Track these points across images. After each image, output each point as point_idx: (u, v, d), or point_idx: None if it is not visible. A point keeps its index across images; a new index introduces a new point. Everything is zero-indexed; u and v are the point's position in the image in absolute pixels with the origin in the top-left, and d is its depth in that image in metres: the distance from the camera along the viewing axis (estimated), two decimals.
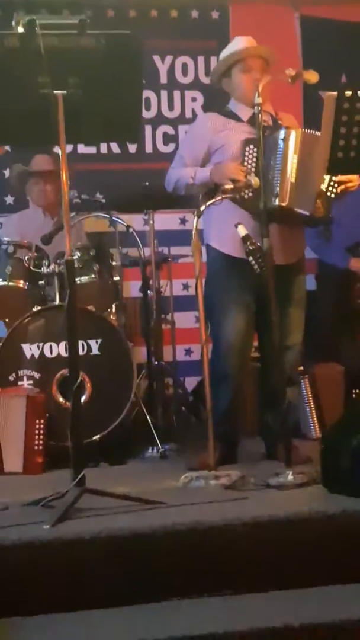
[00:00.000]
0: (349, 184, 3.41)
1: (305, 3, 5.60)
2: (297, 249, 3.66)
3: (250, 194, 3.36)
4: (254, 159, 3.40)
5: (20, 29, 2.62)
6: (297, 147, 3.38)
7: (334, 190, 3.40)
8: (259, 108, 3.24)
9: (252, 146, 3.42)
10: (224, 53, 3.68)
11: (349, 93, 2.91)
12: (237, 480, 3.03)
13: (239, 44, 3.64)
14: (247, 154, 3.44)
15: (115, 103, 2.83)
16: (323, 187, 3.39)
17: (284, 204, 3.37)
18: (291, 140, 3.38)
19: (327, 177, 3.37)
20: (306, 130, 3.46)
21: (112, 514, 2.61)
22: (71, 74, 2.70)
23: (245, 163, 3.43)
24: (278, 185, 3.36)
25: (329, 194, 3.41)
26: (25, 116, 2.80)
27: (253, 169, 3.39)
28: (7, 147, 4.96)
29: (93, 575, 2.35)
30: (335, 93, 2.94)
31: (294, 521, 2.52)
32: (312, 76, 3.34)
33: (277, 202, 3.35)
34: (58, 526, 2.46)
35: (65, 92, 2.70)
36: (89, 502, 2.66)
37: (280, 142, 3.38)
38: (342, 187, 3.40)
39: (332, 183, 3.39)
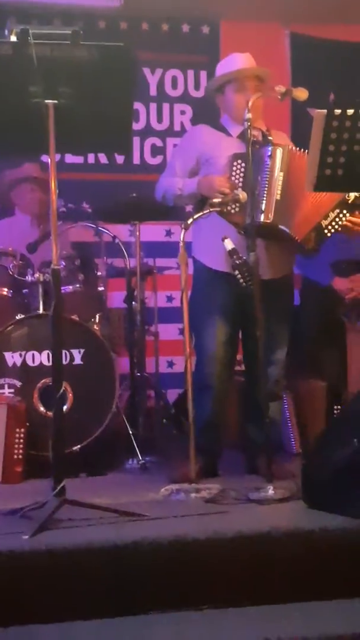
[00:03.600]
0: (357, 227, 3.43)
1: (295, 21, 5.64)
2: (284, 264, 3.67)
3: (237, 209, 3.37)
4: (241, 174, 3.41)
5: (14, 38, 2.63)
6: (284, 164, 3.39)
7: (332, 230, 3.42)
8: (249, 123, 3.26)
9: (239, 161, 3.43)
10: (220, 69, 3.69)
11: (338, 111, 2.93)
12: (218, 493, 3.03)
13: (235, 62, 3.65)
14: (234, 168, 3.45)
15: (106, 114, 2.84)
16: (325, 222, 3.40)
17: (268, 221, 3.37)
18: (277, 158, 3.39)
19: (331, 215, 3.39)
20: (294, 148, 3.47)
21: (92, 526, 2.60)
22: (63, 83, 2.70)
23: (233, 177, 3.44)
24: (264, 201, 3.37)
25: (326, 231, 3.42)
26: (15, 124, 2.80)
27: (240, 184, 3.40)
28: None
29: (72, 586, 2.33)
30: (324, 111, 2.96)
31: (274, 536, 2.52)
32: (302, 93, 3.37)
33: (262, 219, 3.36)
34: (37, 536, 2.44)
35: (56, 101, 2.71)
36: (69, 513, 2.64)
37: (267, 159, 3.40)
38: (348, 224, 3.42)
39: (333, 224, 3.41)
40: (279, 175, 3.38)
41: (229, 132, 3.65)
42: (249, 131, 3.26)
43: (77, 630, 2.23)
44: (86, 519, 2.64)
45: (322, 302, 4.58)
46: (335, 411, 4.27)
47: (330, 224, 3.41)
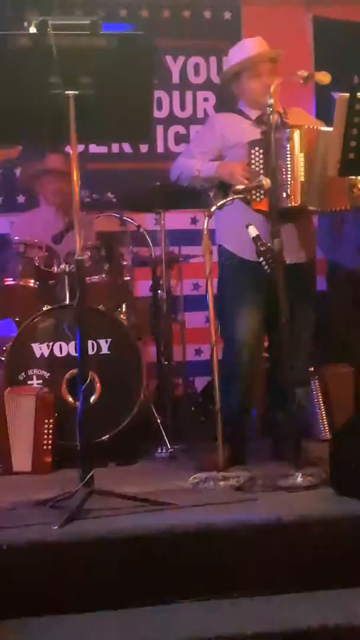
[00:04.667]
0: None
1: (317, 4, 5.58)
2: (309, 248, 3.66)
3: (262, 196, 3.34)
4: (261, 160, 3.39)
5: (33, 29, 2.63)
6: (303, 145, 3.35)
7: None
8: (271, 109, 3.23)
9: (257, 148, 3.41)
10: (233, 57, 3.67)
11: None
12: (246, 481, 3.03)
13: (247, 49, 3.63)
14: (253, 155, 3.42)
15: (126, 103, 2.84)
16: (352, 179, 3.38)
17: (295, 204, 3.35)
18: (295, 140, 3.34)
19: None
20: (310, 127, 3.43)
21: (121, 515, 2.61)
22: (83, 74, 2.70)
23: (253, 165, 3.42)
24: (289, 185, 3.34)
25: None
26: (37, 116, 2.81)
27: (261, 171, 3.38)
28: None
29: (101, 576, 2.35)
30: (347, 94, 2.93)
31: (303, 523, 2.52)
32: (325, 77, 3.33)
33: (289, 203, 3.34)
34: (66, 527, 2.46)
35: (77, 92, 2.70)
36: (98, 503, 2.66)
37: (285, 142, 3.36)
38: None
39: None
40: (300, 157, 3.35)
41: (248, 117, 3.62)
42: (271, 117, 3.23)
43: (105, 620, 2.25)
44: (115, 508, 2.65)
45: (350, 286, 4.56)
46: None
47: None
